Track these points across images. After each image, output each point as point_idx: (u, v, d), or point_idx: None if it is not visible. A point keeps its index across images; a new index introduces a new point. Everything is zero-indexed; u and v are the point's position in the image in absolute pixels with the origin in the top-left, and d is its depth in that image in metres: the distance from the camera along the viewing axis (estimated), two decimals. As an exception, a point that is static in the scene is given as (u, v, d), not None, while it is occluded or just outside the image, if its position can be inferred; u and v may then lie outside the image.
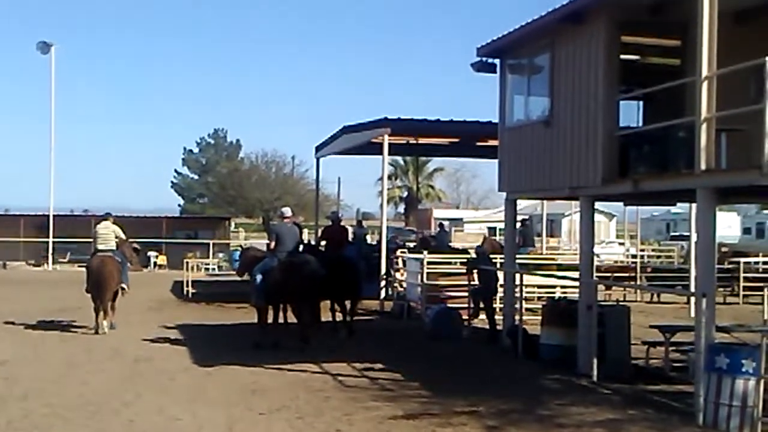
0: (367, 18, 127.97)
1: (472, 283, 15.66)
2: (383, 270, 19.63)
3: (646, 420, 8.83)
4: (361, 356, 12.48)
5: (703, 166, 9.06)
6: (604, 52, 11.08)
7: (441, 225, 31.85)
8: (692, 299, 13.77)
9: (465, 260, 17.15)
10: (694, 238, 16.97)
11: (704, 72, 9.01)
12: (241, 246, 22.44)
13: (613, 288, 20.62)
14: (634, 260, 26.32)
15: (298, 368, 11.61)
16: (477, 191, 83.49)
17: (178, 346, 13.94)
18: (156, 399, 9.74)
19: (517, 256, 16.67)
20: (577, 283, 12.83)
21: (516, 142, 13.74)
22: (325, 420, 8.77)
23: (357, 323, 15.57)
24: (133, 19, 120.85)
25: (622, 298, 20.45)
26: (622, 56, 11.33)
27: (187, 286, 23.18)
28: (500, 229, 31.78)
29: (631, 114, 12.19)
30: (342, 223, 17.61)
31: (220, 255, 36.46)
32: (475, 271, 15.57)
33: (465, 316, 15.48)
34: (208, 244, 36.62)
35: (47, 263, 35.81)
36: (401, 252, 21.34)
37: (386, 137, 19.54)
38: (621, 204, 17.46)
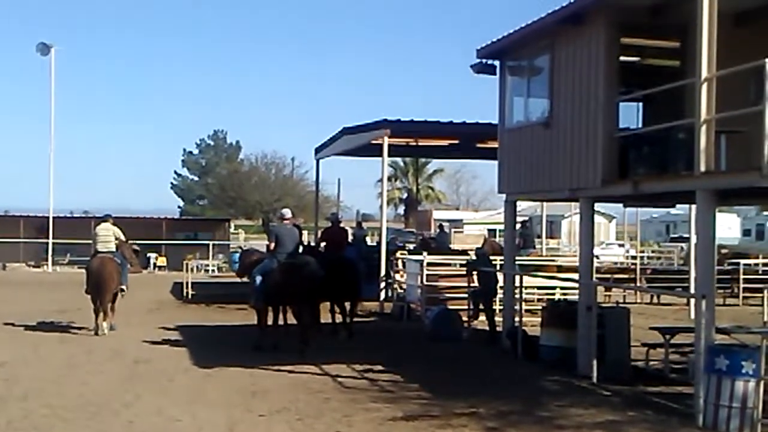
0: (367, 19, 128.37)
1: (471, 284, 15.67)
2: (383, 271, 19.63)
3: (646, 421, 8.83)
4: (360, 358, 12.48)
5: (702, 168, 9.06)
6: (603, 53, 11.09)
7: (441, 226, 31.90)
8: (692, 301, 13.77)
9: (465, 261, 17.14)
10: (693, 239, 16.99)
11: (704, 74, 9.02)
12: (240, 247, 22.45)
13: (613, 289, 20.67)
14: (633, 262, 26.34)
15: (298, 370, 11.60)
16: (477, 192, 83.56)
17: (177, 347, 13.93)
18: (156, 400, 9.74)
19: (518, 257, 16.68)
20: (576, 285, 12.83)
21: (516, 143, 13.75)
22: (325, 421, 8.77)
23: (357, 325, 15.57)
24: (133, 19, 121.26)
25: (621, 300, 20.46)
26: (622, 58, 11.34)
27: (187, 287, 23.15)
28: (500, 231, 31.75)
29: (630, 115, 12.20)
30: (342, 225, 17.60)
31: (220, 256, 36.54)
32: (474, 272, 15.58)
33: (465, 318, 15.49)
34: (208, 245, 36.61)
35: (47, 264, 35.78)
36: (401, 253, 21.34)
37: (386, 138, 19.54)
38: (621, 205, 17.44)
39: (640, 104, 12.37)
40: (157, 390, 10.37)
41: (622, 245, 42.93)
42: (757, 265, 25.91)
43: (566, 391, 10.46)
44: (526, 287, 14.17)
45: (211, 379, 11.18)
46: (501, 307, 14.92)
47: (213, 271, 33.58)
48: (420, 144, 24.43)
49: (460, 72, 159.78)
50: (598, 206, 13.12)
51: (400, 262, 20.18)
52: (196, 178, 76.74)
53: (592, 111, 11.29)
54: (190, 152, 77.87)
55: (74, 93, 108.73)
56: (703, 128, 9.03)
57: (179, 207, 74.70)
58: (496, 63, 13.93)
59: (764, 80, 8.05)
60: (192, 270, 24.77)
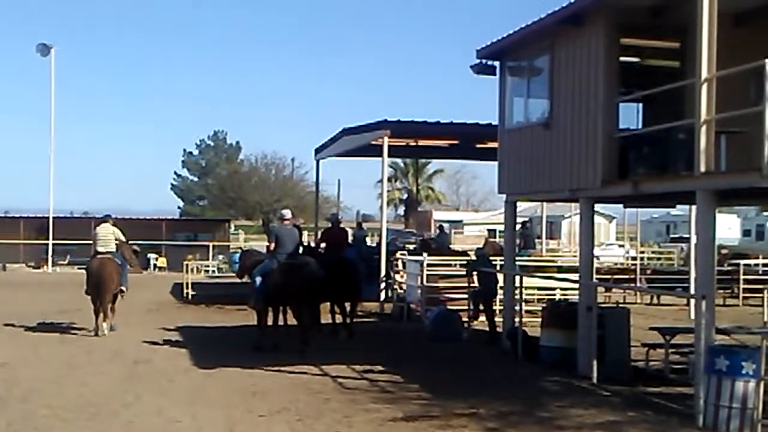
0: (367, 19, 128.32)
1: (471, 285, 15.66)
2: (383, 272, 19.63)
3: (646, 422, 8.83)
4: (360, 358, 12.47)
5: (702, 168, 9.06)
6: (603, 54, 11.09)
7: (441, 227, 31.84)
8: (692, 301, 13.77)
9: (465, 262, 17.14)
10: (693, 240, 16.98)
11: (704, 74, 9.02)
12: (240, 248, 22.46)
13: (613, 290, 20.67)
14: (633, 262, 26.30)
15: (298, 370, 11.60)
16: (477, 193, 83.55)
17: (177, 347, 13.93)
18: (155, 400, 9.73)
19: (519, 258, 16.67)
20: (577, 285, 12.83)
21: (516, 143, 13.75)
22: (325, 422, 8.76)
23: (357, 325, 15.58)
24: (133, 19, 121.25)
25: (621, 300, 20.48)
26: (622, 58, 11.34)
27: (187, 288, 23.16)
28: (500, 231, 31.74)
29: (630, 116, 12.20)
30: (342, 225, 17.59)
31: (220, 257, 36.53)
32: (474, 273, 15.58)
33: (465, 318, 15.49)
34: (208, 246, 36.65)
35: (47, 265, 35.80)
36: (401, 254, 21.34)
37: (386, 139, 19.54)
38: (621, 206, 17.43)
39: (640, 105, 12.37)
40: (157, 390, 10.36)
41: (622, 246, 42.84)
42: (757, 265, 25.90)
43: (566, 391, 10.46)
44: (526, 288, 14.17)
45: (211, 379, 11.18)
46: (501, 308, 14.92)
47: (213, 271, 33.58)
48: (420, 144, 24.44)
49: (460, 72, 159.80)
50: (598, 207, 13.13)
51: (400, 263, 20.18)
52: (196, 179, 76.81)
53: (592, 111, 11.28)
54: (190, 153, 77.97)
55: (74, 93, 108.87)
56: (703, 129, 9.03)
57: (179, 207, 74.83)
58: (496, 63, 13.93)
59: (764, 80, 8.04)
60: (192, 271, 24.78)
